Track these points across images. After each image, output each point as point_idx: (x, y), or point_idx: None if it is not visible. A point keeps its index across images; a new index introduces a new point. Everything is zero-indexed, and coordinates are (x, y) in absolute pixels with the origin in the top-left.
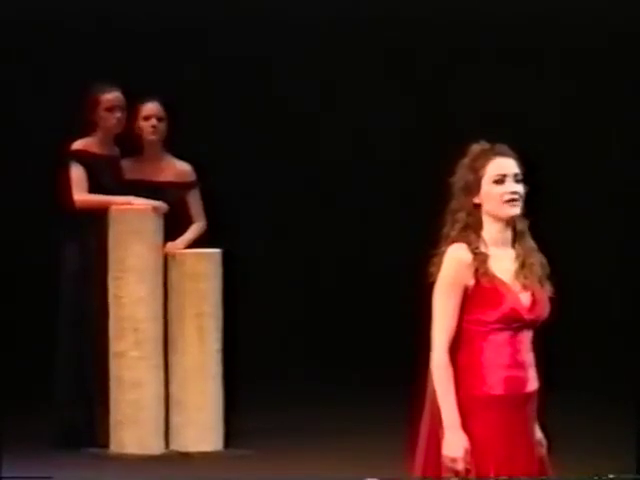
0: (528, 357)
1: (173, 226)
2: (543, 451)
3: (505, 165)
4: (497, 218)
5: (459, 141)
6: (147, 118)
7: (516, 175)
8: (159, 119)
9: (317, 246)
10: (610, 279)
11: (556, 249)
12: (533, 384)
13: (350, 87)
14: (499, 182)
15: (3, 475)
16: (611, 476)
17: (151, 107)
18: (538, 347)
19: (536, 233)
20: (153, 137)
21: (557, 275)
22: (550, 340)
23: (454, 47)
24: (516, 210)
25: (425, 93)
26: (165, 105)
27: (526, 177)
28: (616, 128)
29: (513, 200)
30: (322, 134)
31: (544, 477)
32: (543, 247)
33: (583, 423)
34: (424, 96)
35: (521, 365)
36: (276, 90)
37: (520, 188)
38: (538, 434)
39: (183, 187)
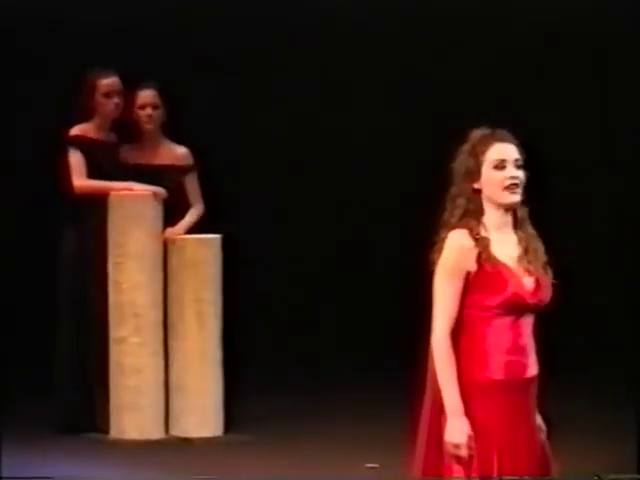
0: (529, 342)
1: (171, 210)
2: (543, 437)
3: (505, 150)
4: (497, 204)
5: (459, 128)
6: (143, 107)
7: (516, 160)
8: (154, 107)
9: (317, 231)
10: (610, 266)
11: (556, 235)
12: (533, 369)
13: (351, 81)
14: (499, 167)
15: (3, 475)
16: (611, 476)
17: (146, 95)
18: (538, 335)
19: (535, 219)
20: (149, 126)
21: (557, 261)
22: (549, 327)
23: (454, 40)
24: (515, 197)
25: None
26: (161, 91)
27: (527, 163)
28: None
29: (513, 185)
30: (323, 122)
31: (547, 477)
32: (543, 233)
33: (582, 420)
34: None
35: (522, 350)
36: (276, 76)
37: (520, 174)
38: (538, 420)
39: (181, 171)
